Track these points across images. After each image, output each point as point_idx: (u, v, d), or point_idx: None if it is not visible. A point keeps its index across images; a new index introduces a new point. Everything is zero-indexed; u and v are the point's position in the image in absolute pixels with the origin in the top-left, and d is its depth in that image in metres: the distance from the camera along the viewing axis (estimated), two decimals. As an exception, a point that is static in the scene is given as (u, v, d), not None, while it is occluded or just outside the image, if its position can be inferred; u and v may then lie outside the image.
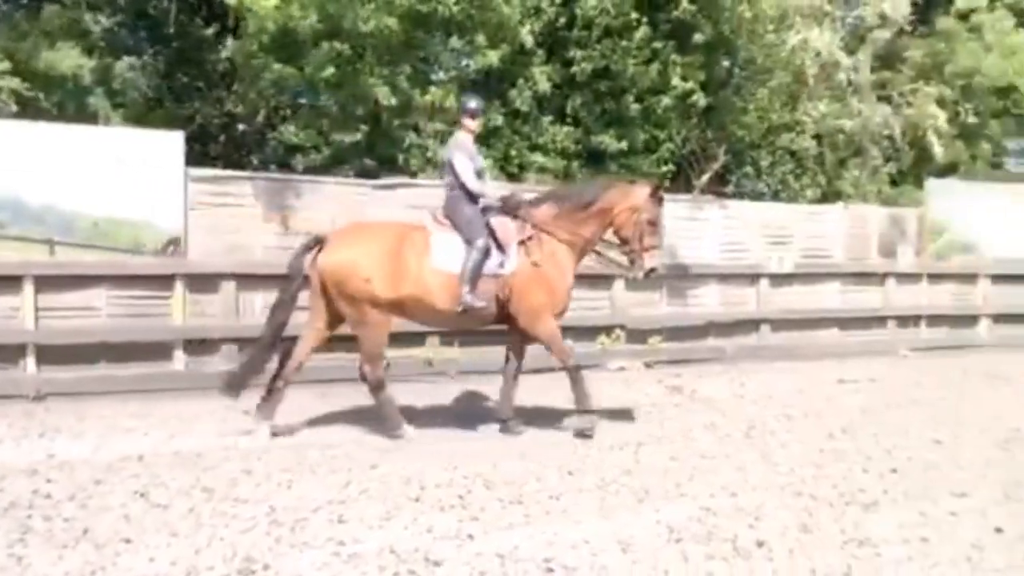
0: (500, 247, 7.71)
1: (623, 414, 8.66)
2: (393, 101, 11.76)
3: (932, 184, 15.43)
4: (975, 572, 4.92)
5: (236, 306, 10.11)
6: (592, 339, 12.02)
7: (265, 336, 7.71)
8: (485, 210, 7.83)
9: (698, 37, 13.02)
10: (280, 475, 6.44)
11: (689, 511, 5.83)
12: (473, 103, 8.14)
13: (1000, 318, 15.15)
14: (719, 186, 14.79)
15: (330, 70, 11.45)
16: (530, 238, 7.80)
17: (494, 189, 8.33)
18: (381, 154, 12.58)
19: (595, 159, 13.29)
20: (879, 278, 14.24)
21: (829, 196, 15.82)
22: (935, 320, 14.62)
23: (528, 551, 5.07)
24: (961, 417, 8.97)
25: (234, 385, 7.70)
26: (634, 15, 12.94)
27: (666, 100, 13.00)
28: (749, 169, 15.24)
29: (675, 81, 12.95)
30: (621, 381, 10.96)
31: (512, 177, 12.61)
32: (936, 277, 14.83)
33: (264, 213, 10.41)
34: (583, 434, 7.76)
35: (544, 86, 12.96)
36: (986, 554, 5.16)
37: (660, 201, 7.99)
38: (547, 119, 13.24)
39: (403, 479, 6.38)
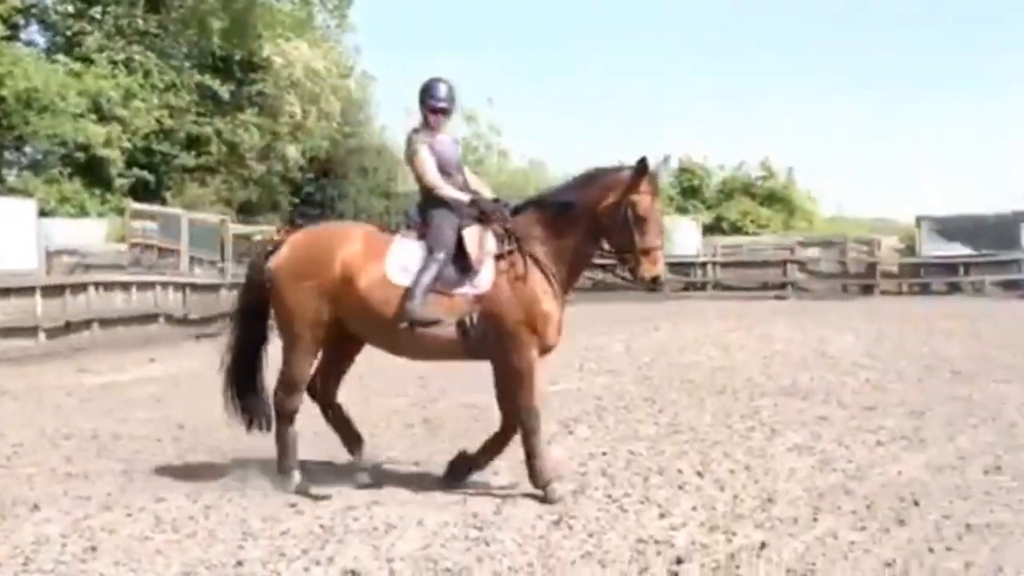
0: (469, 263, 6.39)
1: None
2: None
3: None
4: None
5: None
6: None
7: (232, 355, 6.90)
8: (463, 218, 6.52)
9: None
10: None
11: None
12: (442, 89, 6.70)
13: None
14: None
15: None
16: (511, 252, 6.43)
17: (463, 191, 6.69)
18: None
19: None
20: None
21: None
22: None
23: None
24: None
25: (259, 422, 6.94)
26: None
27: None
28: None
29: None
30: None
31: None
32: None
33: None
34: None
35: None
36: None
37: (650, 187, 6.32)
38: None
39: None
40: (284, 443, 6.76)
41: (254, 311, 6.91)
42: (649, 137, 58.73)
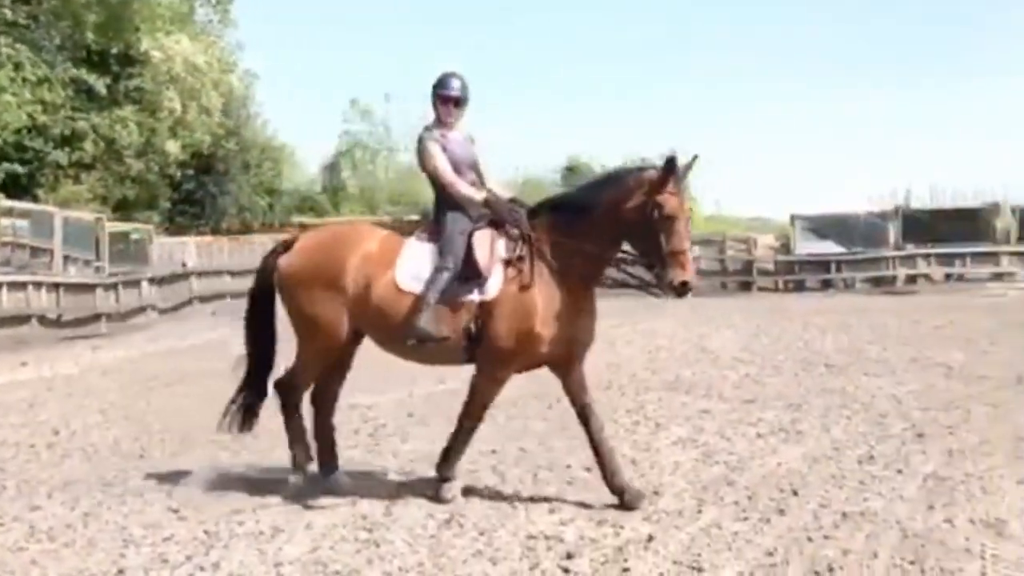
0: (478, 268, 6.08)
1: None
2: None
3: None
4: None
5: None
6: None
7: (249, 357, 6.74)
8: (476, 220, 6.24)
9: None
10: None
11: None
12: (454, 81, 6.45)
13: None
14: None
15: None
16: (520, 258, 6.08)
17: (479, 191, 6.38)
18: None
19: None
20: None
21: None
22: None
23: None
24: None
25: (245, 422, 6.77)
26: None
27: None
28: None
29: None
30: None
31: None
32: None
33: None
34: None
35: None
36: None
37: (678, 187, 5.87)
38: None
39: None
40: (294, 434, 6.64)
41: (263, 313, 6.75)
42: (536, 135, 59.32)
